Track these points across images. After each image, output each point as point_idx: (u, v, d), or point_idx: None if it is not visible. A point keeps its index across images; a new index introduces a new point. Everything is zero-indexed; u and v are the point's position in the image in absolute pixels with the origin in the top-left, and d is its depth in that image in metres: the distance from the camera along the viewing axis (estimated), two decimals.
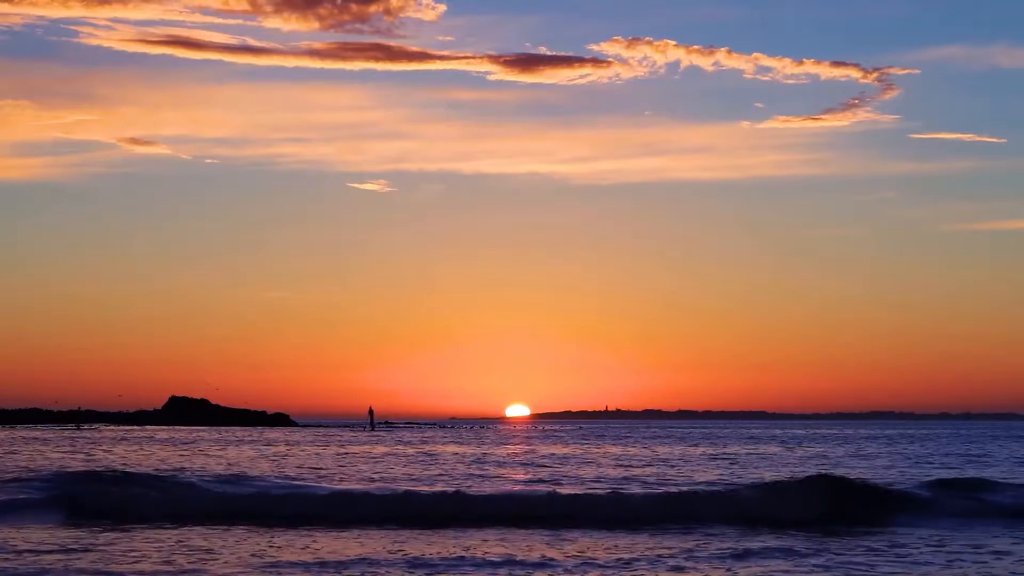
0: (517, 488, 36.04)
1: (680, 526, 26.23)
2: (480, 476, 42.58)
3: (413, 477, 41.42)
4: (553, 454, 62.60)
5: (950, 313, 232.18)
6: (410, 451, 66.33)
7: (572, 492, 32.51)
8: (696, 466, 50.25)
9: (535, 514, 27.43)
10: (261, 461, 52.53)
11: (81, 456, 55.65)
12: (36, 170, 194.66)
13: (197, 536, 24.42)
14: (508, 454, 62.74)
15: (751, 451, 68.73)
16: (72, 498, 29.34)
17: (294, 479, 38.08)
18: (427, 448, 71.60)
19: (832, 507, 28.18)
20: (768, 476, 41.18)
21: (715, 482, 38.64)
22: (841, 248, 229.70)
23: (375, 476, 41.85)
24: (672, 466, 49.84)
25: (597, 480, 40.16)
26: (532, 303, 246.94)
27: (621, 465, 50.38)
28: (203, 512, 28.25)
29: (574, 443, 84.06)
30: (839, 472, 39.90)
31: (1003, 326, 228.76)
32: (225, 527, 25.97)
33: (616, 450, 69.34)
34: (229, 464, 49.09)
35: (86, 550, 21.99)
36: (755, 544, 23.22)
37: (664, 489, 33.77)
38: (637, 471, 45.52)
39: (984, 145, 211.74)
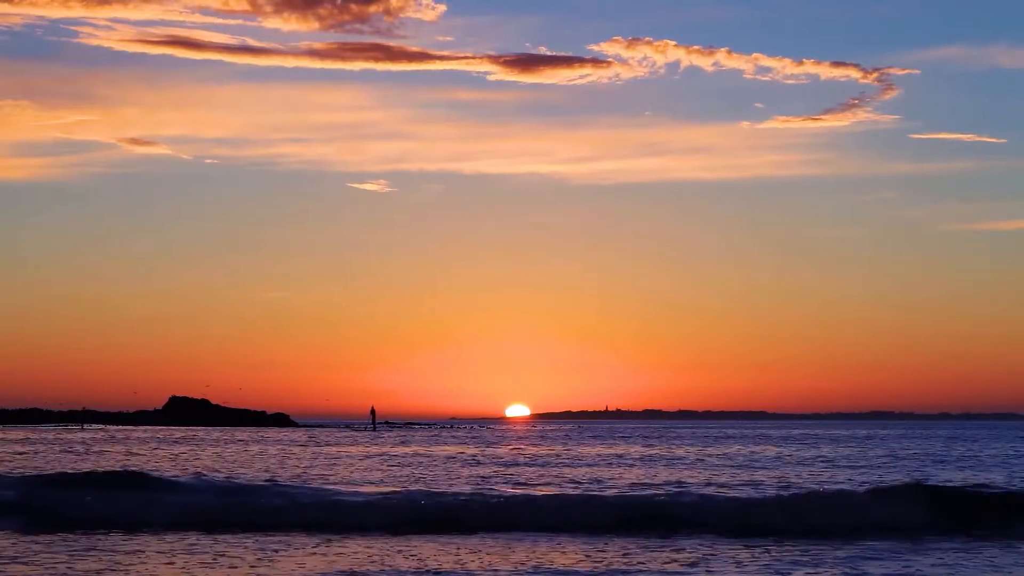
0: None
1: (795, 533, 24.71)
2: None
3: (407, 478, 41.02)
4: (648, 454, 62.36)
5: (950, 313, 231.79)
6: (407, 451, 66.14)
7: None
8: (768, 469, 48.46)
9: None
10: (250, 462, 51.12)
11: (64, 458, 54.21)
12: (36, 170, 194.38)
13: (148, 545, 22.29)
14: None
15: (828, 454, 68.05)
16: (31, 503, 27.72)
17: (285, 482, 36.35)
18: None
19: (933, 515, 26.32)
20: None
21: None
22: (841, 248, 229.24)
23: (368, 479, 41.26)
24: (755, 468, 48.04)
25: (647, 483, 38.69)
26: (532, 303, 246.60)
27: (689, 467, 48.71)
28: (163, 519, 26.18)
29: (643, 442, 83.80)
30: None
31: (1003, 326, 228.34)
32: (192, 534, 23.97)
33: (661, 451, 67.82)
34: (205, 465, 47.69)
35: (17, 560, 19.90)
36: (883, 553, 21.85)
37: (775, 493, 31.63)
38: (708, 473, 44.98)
39: (984, 145, 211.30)
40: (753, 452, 65.93)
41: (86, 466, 45.15)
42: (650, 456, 60.40)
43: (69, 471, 38.35)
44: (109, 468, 42.28)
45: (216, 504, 27.73)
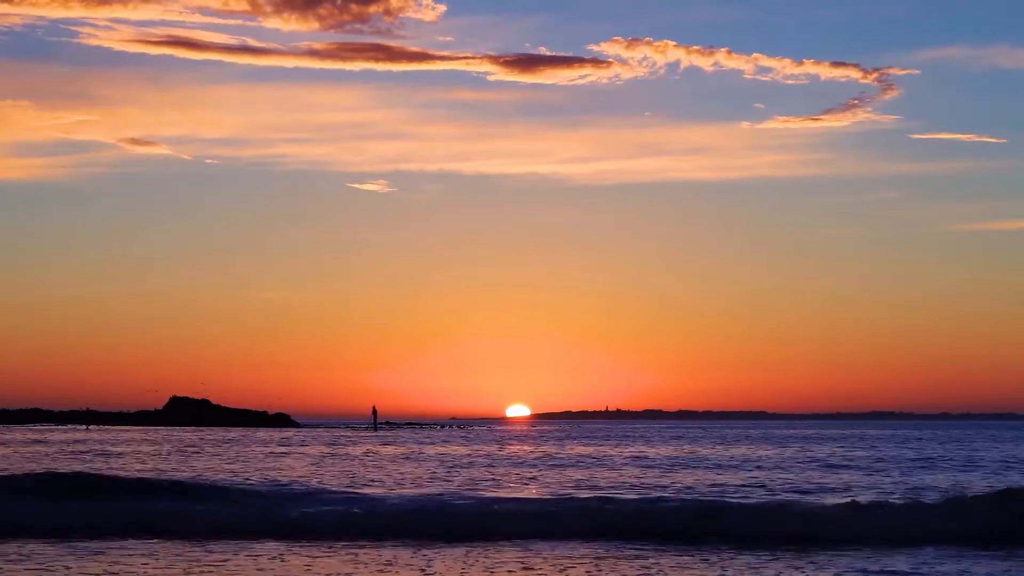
0: None
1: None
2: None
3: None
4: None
5: (950, 313, 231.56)
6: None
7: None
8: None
9: None
10: (239, 464, 49.96)
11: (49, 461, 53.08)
12: (36, 170, 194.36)
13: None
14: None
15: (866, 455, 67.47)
16: None
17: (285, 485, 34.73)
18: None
19: None
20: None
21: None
22: (841, 248, 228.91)
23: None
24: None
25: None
26: (532, 303, 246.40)
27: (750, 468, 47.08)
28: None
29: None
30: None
31: (1003, 326, 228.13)
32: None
33: (709, 451, 66.92)
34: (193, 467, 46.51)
35: None
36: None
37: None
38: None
39: (984, 145, 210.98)
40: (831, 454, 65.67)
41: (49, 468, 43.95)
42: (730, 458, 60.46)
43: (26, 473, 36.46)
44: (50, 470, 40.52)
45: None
